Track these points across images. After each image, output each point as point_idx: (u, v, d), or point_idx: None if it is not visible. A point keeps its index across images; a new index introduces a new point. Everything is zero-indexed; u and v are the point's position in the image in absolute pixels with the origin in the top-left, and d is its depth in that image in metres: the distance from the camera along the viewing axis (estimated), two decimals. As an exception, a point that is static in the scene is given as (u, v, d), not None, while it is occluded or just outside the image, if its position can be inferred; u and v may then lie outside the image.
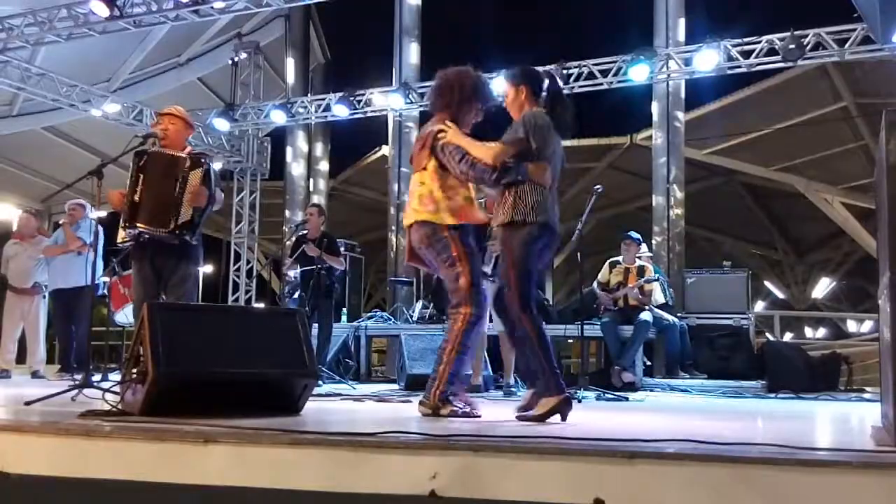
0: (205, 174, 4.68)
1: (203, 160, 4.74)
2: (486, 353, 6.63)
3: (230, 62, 13.26)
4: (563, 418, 3.57)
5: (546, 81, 4.01)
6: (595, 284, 8.22)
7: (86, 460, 2.60)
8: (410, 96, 10.90)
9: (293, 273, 7.77)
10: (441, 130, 3.93)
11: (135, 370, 3.36)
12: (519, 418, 3.64)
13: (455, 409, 3.73)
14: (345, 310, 9.90)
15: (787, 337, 16.50)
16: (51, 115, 13.17)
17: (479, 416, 3.73)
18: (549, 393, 3.63)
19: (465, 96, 4.10)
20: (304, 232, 7.66)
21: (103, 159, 4.93)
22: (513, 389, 6.23)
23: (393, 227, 12.53)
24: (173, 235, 4.62)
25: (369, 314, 10.15)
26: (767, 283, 24.30)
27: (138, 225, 4.63)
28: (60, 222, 7.98)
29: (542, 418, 3.56)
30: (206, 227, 5.21)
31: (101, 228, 6.66)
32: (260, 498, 2.38)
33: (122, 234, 4.79)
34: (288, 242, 8.45)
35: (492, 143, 3.82)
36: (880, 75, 11.68)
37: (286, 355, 3.54)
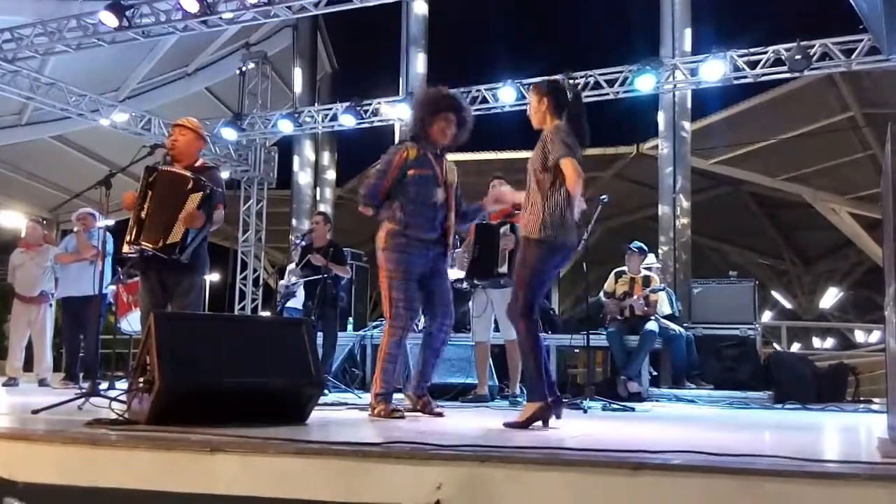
0: (204, 199, 4.64)
1: (207, 185, 4.69)
2: (491, 363, 6.62)
3: (238, 72, 13.35)
4: (545, 424, 3.76)
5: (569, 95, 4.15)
6: (601, 294, 8.21)
7: (93, 469, 2.61)
8: (417, 106, 10.93)
9: (283, 283, 7.79)
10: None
11: (141, 379, 3.36)
12: (505, 425, 3.78)
13: (385, 407, 4.22)
14: (350, 319, 9.90)
15: (795, 347, 16.42)
16: (59, 124, 13.27)
17: (403, 417, 4.16)
18: (531, 398, 3.82)
19: (424, 114, 4.49)
20: (310, 242, 7.66)
21: (111, 168, 4.94)
22: (518, 399, 6.22)
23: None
24: (164, 252, 4.62)
25: (375, 323, 10.15)
26: (774, 293, 24.22)
27: (142, 243, 4.63)
28: (74, 230, 7.99)
29: (523, 425, 3.71)
30: (213, 235, 5.22)
31: (109, 237, 6.71)
32: (265, 507, 2.38)
33: (126, 248, 4.81)
34: (294, 252, 8.48)
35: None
36: (888, 85, 11.66)
37: (292, 365, 3.55)
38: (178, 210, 4.60)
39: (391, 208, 4.44)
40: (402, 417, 4.17)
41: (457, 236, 5.02)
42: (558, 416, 3.83)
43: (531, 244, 3.89)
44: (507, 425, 3.74)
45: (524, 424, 3.70)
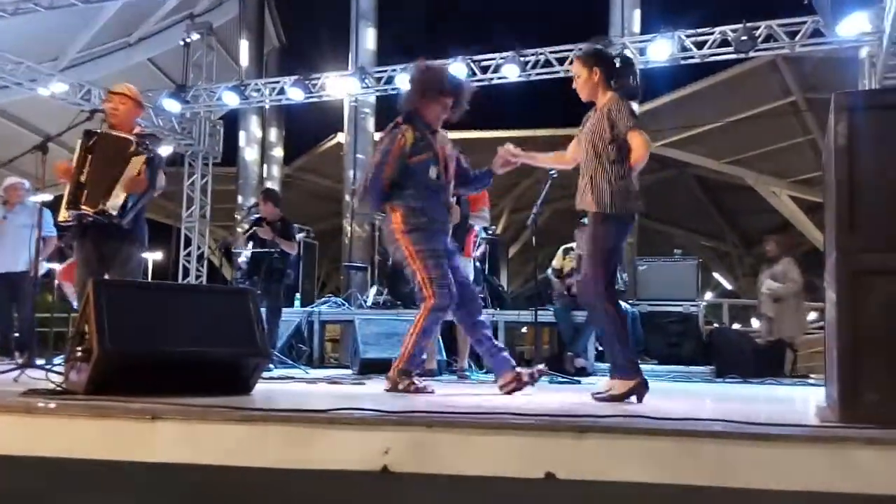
0: (147, 162, 4.56)
1: (150, 148, 4.61)
2: (440, 339, 6.63)
3: (182, 43, 12.98)
4: (639, 400, 3.66)
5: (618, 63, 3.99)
6: (549, 271, 8.28)
7: (29, 438, 2.53)
8: (367, 81, 10.81)
9: (242, 259, 7.66)
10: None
11: (79, 348, 3.27)
12: (595, 398, 3.70)
13: (413, 382, 4.03)
14: (298, 295, 9.80)
15: (735, 327, 16.79)
16: (-4, 93, 12.77)
17: (432, 392, 4.01)
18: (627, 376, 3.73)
19: (426, 91, 4.21)
20: (259, 215, 7.55)
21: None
22: (466, 374, 6.25)
23: (347, 215, 12.44)
24: (102, 216, 4.51)
25: (323, 300, 10.07)
26: (716, 275, 24.75)
27: (82, 207, 4.52)
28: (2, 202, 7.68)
29: (620, 398, 3.64)
30: (155, 212, 5.12)
31: (47, 213, 6.50)
32: (209, 475, 2.33)
33: (63, 214, 4.67)
34: (241, 228, 8.35)
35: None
36: (828, 70, 11.93)
37: (236, 334, 3.48)
38: (119, 173, 4.50)
39: (402, 196, 4.17)
40: (431, 392, 4.00)
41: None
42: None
43: (600, 220, 3.79)
44: (598, 399, 3.65)
45: (620, 398, 3.62)
